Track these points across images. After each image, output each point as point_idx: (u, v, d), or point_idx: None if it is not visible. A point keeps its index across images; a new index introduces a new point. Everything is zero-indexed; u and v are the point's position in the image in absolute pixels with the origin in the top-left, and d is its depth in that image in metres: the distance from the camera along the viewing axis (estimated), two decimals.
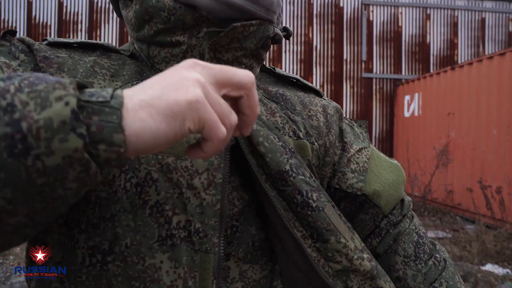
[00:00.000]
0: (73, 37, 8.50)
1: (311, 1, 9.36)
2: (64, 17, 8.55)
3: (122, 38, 8.49)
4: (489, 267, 4.20)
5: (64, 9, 8.55)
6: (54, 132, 0.31)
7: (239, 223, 0.56)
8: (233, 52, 0.55)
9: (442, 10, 10.16)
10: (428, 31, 10.02)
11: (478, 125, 6.23)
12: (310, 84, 0.69)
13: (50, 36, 8.50)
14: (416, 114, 8.35)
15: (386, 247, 0.66)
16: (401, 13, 9.97)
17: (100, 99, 0.34)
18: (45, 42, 0.55)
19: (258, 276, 0.57)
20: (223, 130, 0.36)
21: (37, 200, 0.33)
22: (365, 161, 0.67)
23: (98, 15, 8.64)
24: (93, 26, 8.62)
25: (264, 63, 0.65)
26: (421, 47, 9.90)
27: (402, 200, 0.70)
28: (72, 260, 0.50)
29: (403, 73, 9.84)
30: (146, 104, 0.34)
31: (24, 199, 0.32)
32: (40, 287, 0.51)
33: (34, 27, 8.44)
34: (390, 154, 9.44)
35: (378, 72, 9.70)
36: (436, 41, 9.97)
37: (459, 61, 9.88)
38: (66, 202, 0.35)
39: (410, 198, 0.73)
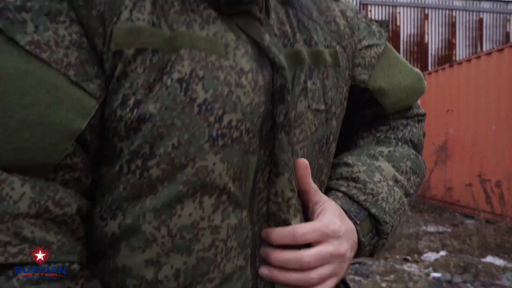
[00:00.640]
0: None
1: None
2: None
3: None
4: (489, 259, 4.19)
5: None
6: None
7: None
8: None
9: (440, 10, 10.22)
10: (426, 31, 10.07)
11: (476, 121, 6.24)
12: None
13: None
14: None
15: (368, 142, 0.70)
16: (399, 12, 10.03)
17: None
18: None
19: None
20: None
21: None
22: (373, 57, 0.67)
23: None
24: None
25: None
26: (419, 46, 9.95)
27: (410, 108, 0.71)
28: (108, 170, 0.49)
29: None
30: None
31: None
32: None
33: None
34: None
35: None
36: (434, 41, 10.02)
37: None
38: None
39: (423, 111, 0.73)
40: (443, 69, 7.42)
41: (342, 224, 0.55)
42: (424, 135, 0.74)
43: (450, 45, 10.16)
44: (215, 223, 0.50)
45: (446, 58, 10.03)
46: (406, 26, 10.02)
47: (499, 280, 3.72)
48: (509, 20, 10.22)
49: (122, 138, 0.47)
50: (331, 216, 0.55)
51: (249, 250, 0.53)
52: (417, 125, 0.72)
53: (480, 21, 10.21)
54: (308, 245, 0.53)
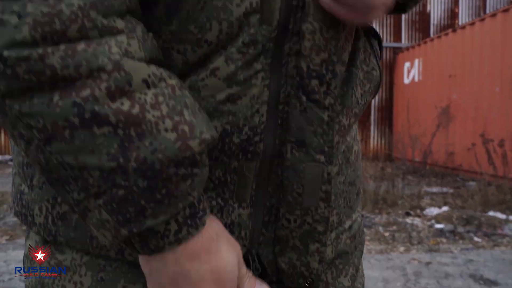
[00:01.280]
0: None
1: None
2: None
3: None
4: (491, 213, 4.18)
5: None
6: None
7: None
8: None
9: None
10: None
11: (480, 84, 6.18)
12: None
13: None
14: (416, 80, 8.29)
15: None
16: None
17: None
18: None
19: None
20: None
21: None
22: None
23: None
24: None
25: None
26: (421, 16, 9.80)
27: None
28: None
29: (403, 42, 9.75)
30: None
31: None
32: None
33: None
34: (390, 122, 9.41)
35: None
36: (436, 10, 9.87)
37: None
38: None
39: None
40: (446, 34, 7.32)
41: None
42: None
43: (452, 15, 10.01)
44: None
45: (449, 27, 9.90)
46: None
47: (502, 230, 3.72)
48: None
49: None
50: None
51: None
52: None
53: None
54: None
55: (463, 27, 6.85)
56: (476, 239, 3.52)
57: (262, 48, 0.42)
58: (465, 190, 5.26)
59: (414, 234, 3.63)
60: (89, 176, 0.35)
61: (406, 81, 8.72)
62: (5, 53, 0.32)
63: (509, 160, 5.29)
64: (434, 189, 5.40)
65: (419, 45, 8.37)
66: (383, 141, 9.66)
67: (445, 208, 4.38)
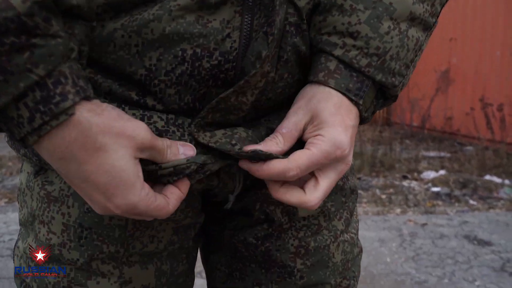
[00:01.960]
0: None
1: None
2: None
3: None
4: (488, 177, 4.21)
5: None
6: None
7: None
8: None
9: None
10: None
11: (481, 48, 6.09)
12: None
13: None
14: None
15: None
16: None
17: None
18: None
19: None
20: None
21: None
22: None
23: None
24: None
25: None
26: None
27: None
28: None
29: None
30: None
31: None
32: None
33: None
34: None
35: None
36: None
37: None
38: None
39: None
40: None
41: (345, 137, 0.46)
42: None
43: None
44: None
45: None
46: None
47: (497, 194, 3.75)
48: None
49: None
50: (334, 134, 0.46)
51: None
52: None
53: None
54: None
55: None
56: (471, 202, 3.56)
57: None
58: (462, 155, 5.29)
59: (410, 196, 3.66)
60: None
61: None
62: None
63: (507, 125, 5.28)
64: (432, 153, 5.42)
65: None
66: None
67: (442, 172, 4.41)
